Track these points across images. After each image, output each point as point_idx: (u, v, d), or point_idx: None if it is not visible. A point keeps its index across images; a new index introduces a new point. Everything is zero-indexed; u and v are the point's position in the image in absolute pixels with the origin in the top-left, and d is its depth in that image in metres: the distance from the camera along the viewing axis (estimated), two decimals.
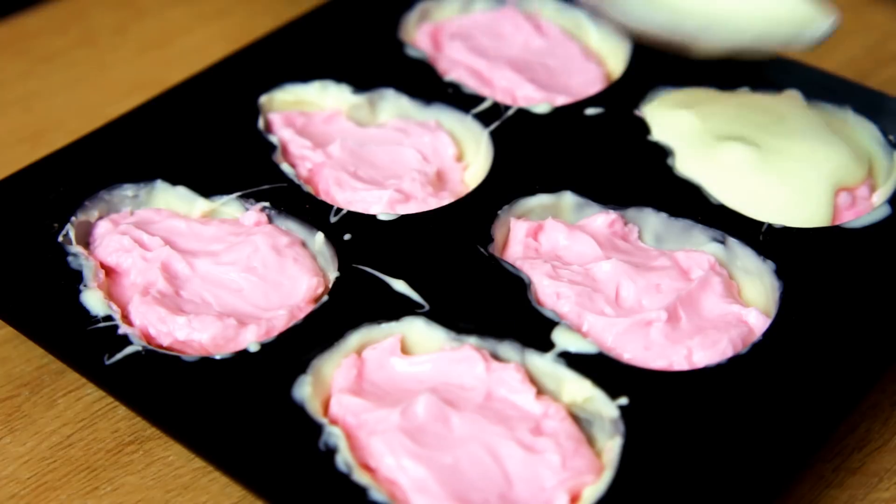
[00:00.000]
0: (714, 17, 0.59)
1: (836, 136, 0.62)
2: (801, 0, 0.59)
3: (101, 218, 0.60)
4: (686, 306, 0.55)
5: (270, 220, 0.59)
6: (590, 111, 0.65)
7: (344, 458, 0.48)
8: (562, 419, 0.50)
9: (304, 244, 0.58)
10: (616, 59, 0.70)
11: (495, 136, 0.63)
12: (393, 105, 0.66)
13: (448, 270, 0.56)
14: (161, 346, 0.54)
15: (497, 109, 0.65)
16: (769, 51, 0.58)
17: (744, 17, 0.59)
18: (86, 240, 0.59)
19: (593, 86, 0.68)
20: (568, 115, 0.65)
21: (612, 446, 0.49)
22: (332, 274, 0.56)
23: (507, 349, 0.53)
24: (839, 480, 0.53)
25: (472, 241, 0.57)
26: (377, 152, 0.64)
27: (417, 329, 0.54)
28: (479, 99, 0.65)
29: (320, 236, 0.58)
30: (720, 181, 0.60)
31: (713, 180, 0.60)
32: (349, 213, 0.59)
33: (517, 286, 0.55)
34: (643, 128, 0.64)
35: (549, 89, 0.67)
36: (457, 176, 0.64)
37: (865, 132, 0.64)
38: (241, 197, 0.60)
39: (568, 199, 0.60)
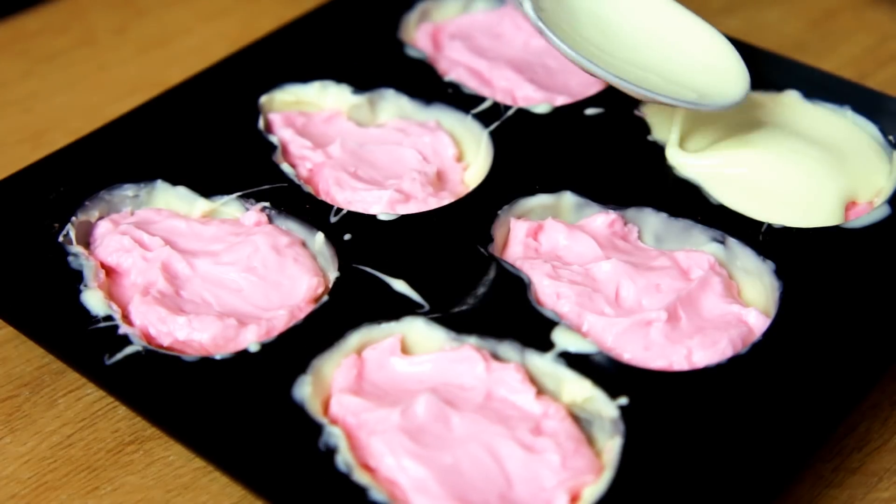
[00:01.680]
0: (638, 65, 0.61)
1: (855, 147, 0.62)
2: (728, 59, 0.61)
3: (101, 218, 0.60)
4: (686, 306, 0.55)
5: (270, 220, 0.59)
6: (590, 111, 0.65)
7: (344, 458, 0.48)
8: (562, 419, 0.50)
9: (304, 244, 0.58)
10: None
11: (495, 136, 0.63)
12: (393, 105, 0.66)
13: (448, 270, 0.56)
14: (161, 346, 0.54)
15: (497, 109, 0.65)
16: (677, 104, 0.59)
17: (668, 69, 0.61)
18: (86, 240, 0.59)
19: (593, 86, 0.68)
20: (568, 115, 0.65)
21: (612, 446, 0.49)
22: (332, 274, 0.56)
23: (507, 349, 0.53)
24: (839, 480, 0.53)
25: (472, 241, 0.57)
26: (377, 152, 0.64)
27: (417, 329, 0.54)
28: (479, 99, 0.65)
29: (320, 236, 0.58)
30: (721, 184, 0.60)
31: (714, 183, 0.60)
32: (349, 213, 0.59)
33: (517, 286, 0.55)
34: (643, 128, 0.64)
35: (549, 89, 0.67)
36: (457, 176, 0.64)
37: (865, 132, 0.64)
38: (241, 197, 0.60)
39: (568, 199, 0.60)
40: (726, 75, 0.61)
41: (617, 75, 0.58)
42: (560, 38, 0.59)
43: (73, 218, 0.58)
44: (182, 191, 0.60)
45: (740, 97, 0.60)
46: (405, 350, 0.54)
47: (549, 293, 0.55)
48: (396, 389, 0.52)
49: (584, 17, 0.62)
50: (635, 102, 0.65)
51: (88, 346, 0.53)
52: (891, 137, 0.63)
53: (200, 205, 0.60)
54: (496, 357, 0.53)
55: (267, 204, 0.59)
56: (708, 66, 0.61)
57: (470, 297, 0.54)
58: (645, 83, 0.59)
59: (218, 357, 0.52)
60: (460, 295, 0.55)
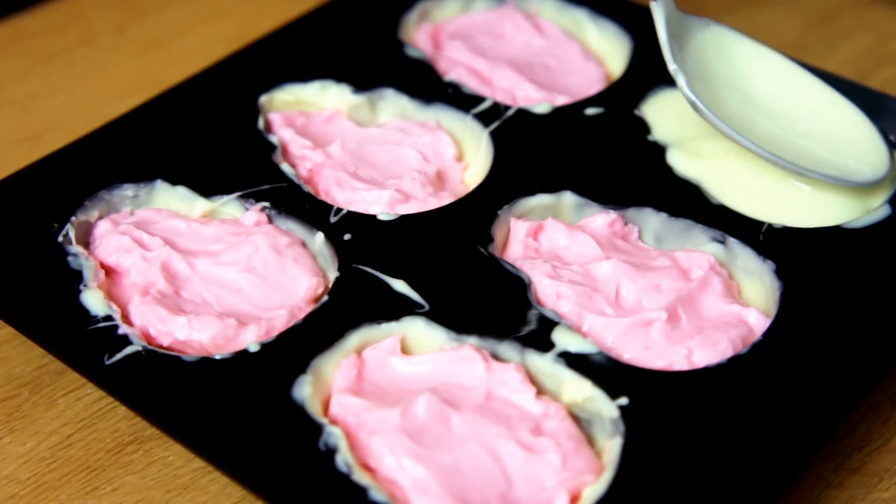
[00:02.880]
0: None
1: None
2: (873, 141, 0.61)
3: (101, 218, 0.60)
4: (686, 306, 0.55)
5: (270, 220, 0.59)
6: (590, 111, 0.65)
7: (344, 458, 0.48)
8: (562, 419, 0.50)
9: (304, 244, 0.58)
10: (616, 59, 0.70)
11: (495, 136, 0.63)
12: (393, 105, 0.66)
13: (448, 270, 0.56)
14: (161, 346, 0.54)
15: (497, 109, 0.65)
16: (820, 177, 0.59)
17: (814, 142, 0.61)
18: (86, 240, 0.59)
19: (593, 86, 0.68)
20: (568, 115, 0.65)
21: (612, 446, 0.49)
22: (332, 274, 0.56)
23: (507, 349, 0.53)
24: (839, 480, 0.53)
25: (472, 241, 0.57)
26: (377, 152, 0.64)
27: (417, 329, 0.54)
28: (479, 99, 0.65)
29: (320, 236, 0.58)
30: (719, 182, 0.60)
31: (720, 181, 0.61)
32: (349, 213, 0.59)
33: (517, 286, 0.55)
34: (643, 128, 0.64)
35: (549, 89, 0.67)
36: (457, 176, 0.64)
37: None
38: (241, 197, 0.60)
39: (568, 199, 0.60)
40: (865, 149, 0.61)
41: (768, 151, 0.58)
42: (713, 112, 0.59)
43: (73, 218, 0.58)
44: (182, 191, 0.60)
45: (884, 172, 0.60)
46: (405, 350, 0.53)
47: (549, 293, 0.55)
48: (396, 389, 0.52)
49: (730, 90, 0.62)
50: (635, 102, 0.65)
51: (88, 346, 0.53)
52: (891, 137, 0.63)
53: (200, 205, 0.60)
54: (496, 357, 0.53)
55: (267, 204, 0.59)
56: (848, 140, 0.61)
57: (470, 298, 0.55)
58: (791, 157, 0.59)
59: (218, 357, 0.52)
60: (460, 295, 0.55)
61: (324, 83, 0.67)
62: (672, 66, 0.60)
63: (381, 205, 0.60)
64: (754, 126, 0.61)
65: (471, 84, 0.67)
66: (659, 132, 0.63)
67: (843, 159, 0.60)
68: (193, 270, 0.57)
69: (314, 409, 0.50)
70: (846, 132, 0.62)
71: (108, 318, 0.54)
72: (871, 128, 0.62)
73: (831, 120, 0.62)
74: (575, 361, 0.52)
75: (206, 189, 0.60)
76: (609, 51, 0.71)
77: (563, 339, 0.53)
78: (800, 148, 0.61)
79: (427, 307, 0.54)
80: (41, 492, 0.53)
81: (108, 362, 0.52)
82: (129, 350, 0.52)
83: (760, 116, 0.62)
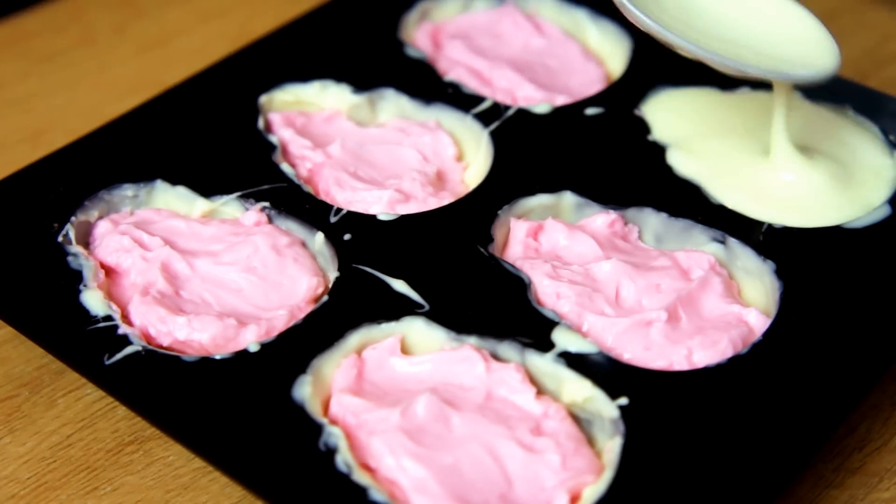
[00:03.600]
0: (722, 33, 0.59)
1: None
2: (814, 30, 0.59)
3: (100, 218, 0.60)
4: (686, 306, 0.55)
5: (270, 220, 0.59)
6: (590, 111, 0.65)
7: (344, 458, 0.48)
8: (562, 419, 0.50)
9: (304, 244, 0.58)
10: (616, 59, 0.70)
11: (495, 136, 0.63)
12: (393, 105, 0.66)
13: (448, 270, 0.56)
14: (161, 346, 0.54)
15: (497, 109, 0.65)
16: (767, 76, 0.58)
17: (752, 38, 0.59)
18: (86, 240, 0.59)
19: (593, 86, 0.68)
20: (568, 115, 0.65)
21: (612, 446, 0.49)
22: (332, 274, 0.56)
23: (507, 349, 0.53)
24: (839, 480, 0.53)
25: (472, 241, 0.57)
26: (377, 152, 0.64)
27: (417, 329, 0.54)
28: (479, 99, 0.65)
29: (320, 236, 0.58)
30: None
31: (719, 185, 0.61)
32: (349, 213, 0.59)
33: (517, 286, 0.55)
34: (643, 128, 0.64)
35: (549, 89, 0.67)
36: (457, 176, 0.64)
37: (865, 132, 0.64)
38: (241, 197, 0.60)
39: (568, 199, 0.60)
40: (815, 49, 0.59)
41: (709, 51, 0.56)
42: (649, 16, 0.57)
43: (73, 218, 0.58)
44: (182, 191, 0.60)
45: (833, 69, 0.57)
46: (405, 350, 0.53)
47: (549, 293, 0.55)
48: (396, 389, 0.52)
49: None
50: (635, 102, 0.65)
51: (88, 346, 0.53)
52: (891, 137, 0.63)
53: (200, 205, 0.60)
54: (496, 357, 0.53)
55: (267, 204, 0.59)
56: (795, 40, 0.59)
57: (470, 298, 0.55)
58: (735, 58, 0.57)
59: (218, 357, 0.52)
60: (460, 295, 0.55)
61: (324, 83, 0.67)
62: None
63: (381, 205, 0.60)
64: (699, 33, 0.59)
65: (471, 84, 0.67)
66: (659, 132, 0.63)
67: (786, 57, 0.59)
68: (193, 270, 0.57)
69: (314, 409, 0.50)
70: (790, 30, 0.60)
71: (108, 318, 0.54)
72: (816, 23, 0.60)
73: (779, 22, 0.60)
74: (575, 361, 0.52)
75: (206, 189, 0.60)
76: (609, 51, 0.71)
77: (563, 339, 0.53)
78: (740, 45, 0.59)
79: (427, 307, 0.54)
80: (41, 492, 0.53)
81: (107, 362, 0.52)
82: (128, 350, 0.52)
83: (706, 23, 0.60)
